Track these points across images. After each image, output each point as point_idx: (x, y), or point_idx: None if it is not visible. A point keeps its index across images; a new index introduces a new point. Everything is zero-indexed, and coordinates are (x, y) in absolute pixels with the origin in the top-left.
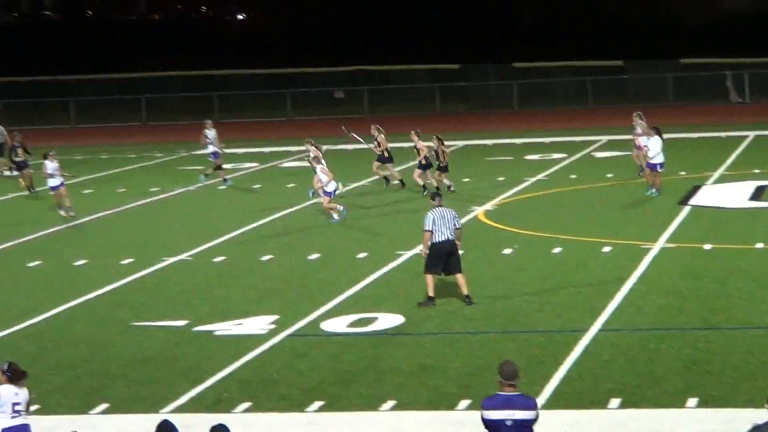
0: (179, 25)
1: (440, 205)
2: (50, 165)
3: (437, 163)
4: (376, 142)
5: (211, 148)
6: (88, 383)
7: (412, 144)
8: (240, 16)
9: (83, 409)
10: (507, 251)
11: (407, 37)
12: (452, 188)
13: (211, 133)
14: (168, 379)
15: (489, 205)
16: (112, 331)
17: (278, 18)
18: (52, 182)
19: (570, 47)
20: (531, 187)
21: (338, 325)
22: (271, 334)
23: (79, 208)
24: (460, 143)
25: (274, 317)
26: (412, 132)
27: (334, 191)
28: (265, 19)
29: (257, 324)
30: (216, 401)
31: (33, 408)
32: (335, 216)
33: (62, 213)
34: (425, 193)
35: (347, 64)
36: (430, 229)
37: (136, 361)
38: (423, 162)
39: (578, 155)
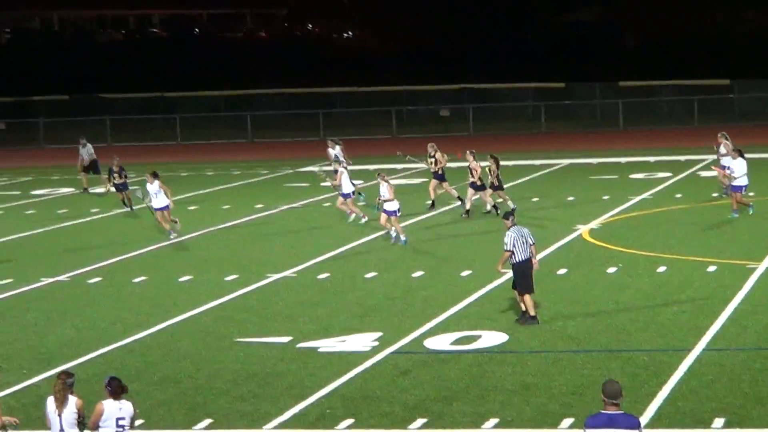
0: (286, 43)
1: (515, 224)
2: (152, 187)
3: (490, 182)
4: (432, 159)
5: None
6: (192, 398)
7: (466, 163)
8: (347, 34)
9: (187, 424)
10: (611, 270)
11: (512, 55)
12: (497, 210)
13: (333, 151)
14: (271, 395)
15: (593, 224)
16: (216, 347)
17: (385, 36)
18: (156, 204)
19: (676, 66)
20: (635, 206)
21: (441, 342)
22: (375, 351)
23: (184, 225)
24: (565, 162)
25: (378, 334)
26: (468, 152)
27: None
28: (371, 37)
29: (360, 341)
30: (319, 418)
31: (138, 423)
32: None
33: (173, 236)
34: (487, 211)
35: (453, 82)
36: (511, 249)
37: (240, 377)
38: (478, 183)
39: (683, 174)
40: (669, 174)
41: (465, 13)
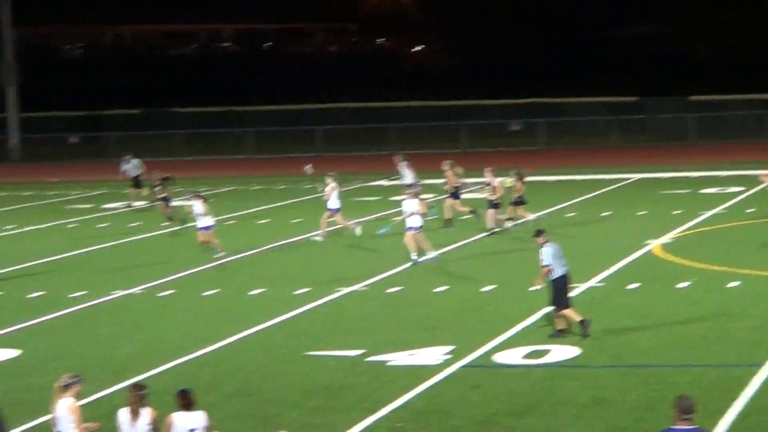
0: (355, 57)
1: (547, 241)
2: (197, 207)
3: (514, 199)
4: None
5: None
6: (263, 411)
7: (487, 181)
8: (417, 49)
9: None
10: (682, 285)
11: (584, 69)
12: (514, 226)
13: (403, 167)
14: (342, 408)
15: (664, 239)
16: (287, 360)
17: (455, 50)
18: (201, 223)
19: (747, 80)
20: (707, 221)
21: (512, 356)
22: (445, 364)
23: (255, 238)
24: (636, 176)
25: (448, 348)
26: (487, 169)
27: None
28: (441, 51)
29: (431, 354)
30: (389, 431)
31: None
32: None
33: (219, 253)
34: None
35: (522, 96)
36: (551, 264)
37: (310, 390)
38: (495, 201)
39: (756, 189)
40: (741, 188)
41: (535, 27)
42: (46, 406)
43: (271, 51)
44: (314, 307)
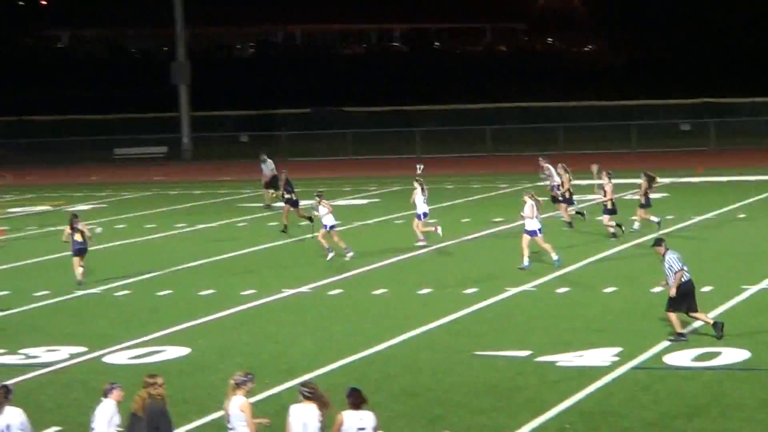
0: (524, 57)
1: (668, 249)
2: (322, 209)
3: (639, 199)
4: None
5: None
6: (431, 411)
7: (602, 183)
8: (586, 48)
9: None
10: None
11: (756, 69)
12: (659, 223)
13: (547, 167)
14: (509, 408)
15: None
16: (455, 360)
17: (623, 49)
18: (327, 220)
19: None
20: None
21: (682, 358)
22: (614, 365)
23: (426, 239)
24: None
25: (617, 349)
26: (604, 172)
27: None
28: (609, 50)
29: (600, 356)
30: None
31: None
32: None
33: (349, 255)
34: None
35: (693, 96)
36: (683, 268)
37: (478, 390)
38: (609, 207)
39: None
40: None
41: (705, 25)
42: (216, 404)
43: (440, 50)
44: (483, 307)
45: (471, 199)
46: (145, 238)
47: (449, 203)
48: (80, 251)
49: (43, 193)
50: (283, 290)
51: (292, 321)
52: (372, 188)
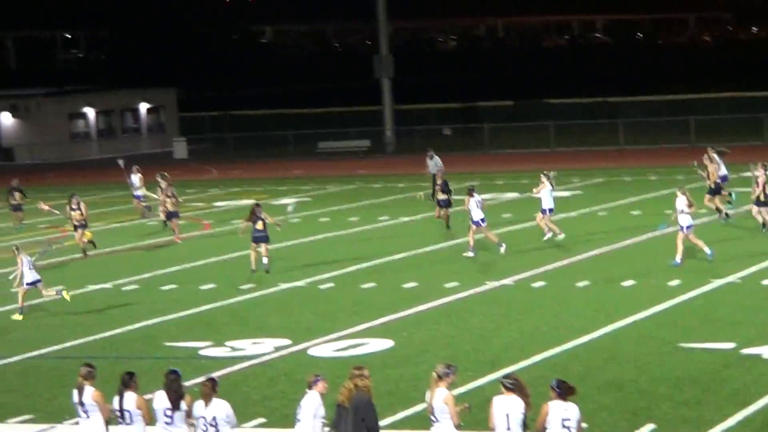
0: (729, 47)
1: None
2: (472, 201)
3: (757, 195)
4: (706, 172)
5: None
6: (635, 403)
7: (756, 175)
8: None
9: (628, 428)
10: None
11: None
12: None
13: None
14: (714, 401)
15: None
16: (659, 352)
17: None
18: (475, 216)
19: None
20: None
21: None
22: None
23: (627, 230)
24: None
25: None
26: (759, 164)
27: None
28: None
29: None
30: (764, 425)
31: (583, 426)
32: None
33: (502, 248)
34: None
35: None
36: None
37: (683, 383)
38: (762, 198)
39: None
40: None
41: None
42: (419, 396)
43: (644, 41)
44: (687, 299)
45: (669, 191)
46: (348, 231)
47: (652, 194)
48: (260, 239)
49: (246, 187)
50: (486, 282)
51: (496, 313)
52: (575, 180)
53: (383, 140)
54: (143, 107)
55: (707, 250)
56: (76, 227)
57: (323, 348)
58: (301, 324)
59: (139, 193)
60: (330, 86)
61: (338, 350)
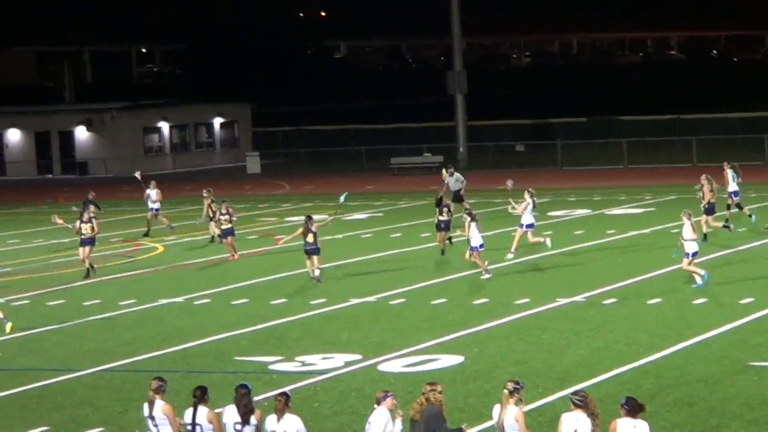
0: None
1: None
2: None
3: None
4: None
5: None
6: (705, 421)
7: None
8: None
9: None
10: None
11: None
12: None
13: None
14: None
15: None
16: (730, 371)
17: None
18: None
19: None
20: None
21: None
22: None
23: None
24: None
25: None
26: None
27: None
28: None
29: None
30: None
31: None
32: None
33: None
34: None
35: None
36: None
37: (754, 401)
38: None
39: None
40: None
41: None
42: (488, 413)
43: (718, 58)
44: (758, 317)
45: (750, 207)
46: (420, 246)
47: (724, 213)
48: (311, 251)
49: (319, 202)
50: (557, 299)
51: (566, 330)
52: (647, 197)
53: (456, 156)
54: (217, 122)
55: (700, 277)
56: (83, 242)
57: (393, 363)
58: (372, 339)
59: (156, 206)
60: (403, 102)
61: (408, 366)
